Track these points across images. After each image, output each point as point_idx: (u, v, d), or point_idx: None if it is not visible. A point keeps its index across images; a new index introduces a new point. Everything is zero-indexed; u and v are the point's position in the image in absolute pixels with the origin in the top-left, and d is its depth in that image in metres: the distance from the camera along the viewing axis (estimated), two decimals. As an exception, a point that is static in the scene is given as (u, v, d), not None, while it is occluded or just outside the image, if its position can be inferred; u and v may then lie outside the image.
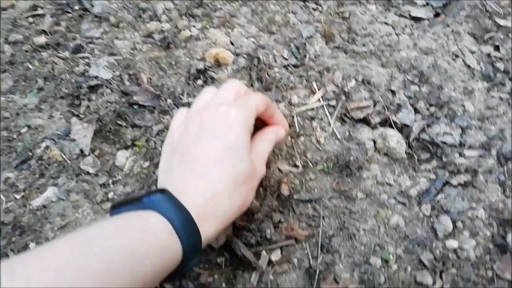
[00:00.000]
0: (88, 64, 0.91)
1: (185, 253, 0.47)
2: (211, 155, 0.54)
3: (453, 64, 0.95)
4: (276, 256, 0.71)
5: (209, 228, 0.51)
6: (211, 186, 0.53)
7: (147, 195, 0.50)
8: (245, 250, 0.70)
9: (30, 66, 0.92)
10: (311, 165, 0.80)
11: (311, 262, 0.70)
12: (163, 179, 0.59)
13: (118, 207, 0.51)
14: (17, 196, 0.74)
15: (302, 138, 0.82)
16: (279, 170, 0.78)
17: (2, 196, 0.74)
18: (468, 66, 0.96)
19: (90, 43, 0.95)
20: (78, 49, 0.93)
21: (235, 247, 0.70)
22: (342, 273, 0.69)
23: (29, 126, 0.83)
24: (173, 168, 0.57)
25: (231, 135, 0.55)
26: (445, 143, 0.82)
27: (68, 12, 1.01)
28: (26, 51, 0.94)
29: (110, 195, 0.75)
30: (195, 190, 0.52)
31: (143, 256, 0.43)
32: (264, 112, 0.64)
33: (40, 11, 1.01)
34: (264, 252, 0.71)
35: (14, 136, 0.82)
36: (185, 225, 0.48)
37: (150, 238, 0.45)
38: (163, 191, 0.51)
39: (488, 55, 0.99)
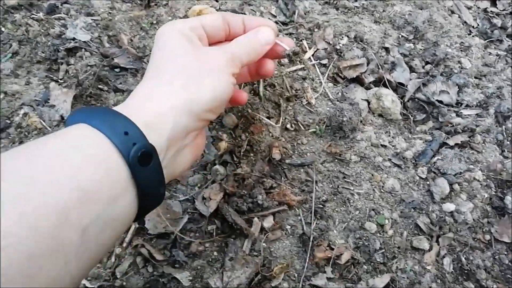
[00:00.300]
0: (65, 26, 0.84)
1: (118, 146, 0.39)
2: (149, 64, 0.51)
3: (449, 19, 0.90)
4: (268, 222, 0.68)
5: (148, 111, 0.44)
6: (146, 82, 0.49)
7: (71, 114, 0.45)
8: (237, 217, 0.67)
9: (2, 29, 0.85)
10: (302, 128, 0.76)
11: (304, 228, 0.67)
12: None
13: None
14: (-5, 167, 0.70)
15: (292, 100, 0.78)
16: (270, 134, 0.74)
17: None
18: (465, 22, 0.91)
19: (65, 3, 0.88)
20: (53, 10, 0.87)
21: (226, 214, 0.67)
22: (336, 239, 0.66)
23: (5, 93, 0.77)
24: None
25: (161, 40, 0.51)
26: (441, 102, 0.78)
27: (41, -31, 0.94)
28: (-2, 13, 0.87)
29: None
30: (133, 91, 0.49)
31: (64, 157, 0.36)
32: (230, 27, 0.57)
33: (10, -31, 0.93)
34: (256, 219, 0.68)
35: (-10, 103, 0.77)
36: (102, 116, 0.41)
37: (65, 139, 0.38)
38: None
39: (485, 10, 0.94)
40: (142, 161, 0.40)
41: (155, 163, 0.42)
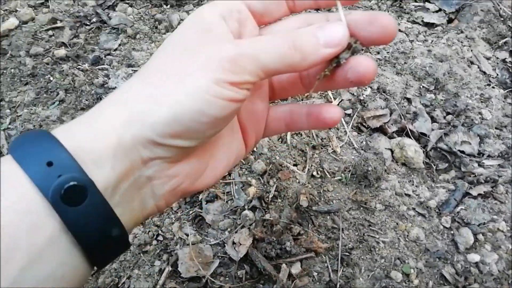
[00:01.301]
0: (107, 76, 0.86)
1: (36, 181, 0.27)
2: None
3: (468, 71, 0.89)
4: (296, 269, 0.66)
5: (92, 129, 0.30)
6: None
7: None
8: (266, 263, 0.66)
9: (51, 78, 0.87)
10: (328, 175, 0.75)
11: (331, 275, 0.65)
12: None
13: None
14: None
15: (318, 148, 0.77)
16: (297, 180, 0.74)
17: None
18: (484, 73, 0.90)
19: (109, 54, 0.91)
20: (97, 61, 0.89)
21: (255, 260, 0.66)
22: (363, 288, 0.64)
23: (51, 138, 0.79)
24: None
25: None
26: (463, 152, 0.77)
27: (87, 25, 0.97)
28: (47, 64, 0.89)
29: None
30: None
31: None
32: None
33: (59, 24, 0.97)
34: (284, 265, 0.66)
35: (37, 148, 0.78)
36: (29, 142, 0.29)
37: None
38: None
39: (504, 60, 0.93)
40: (70, 199, 0.27)
41: (93, 201, 0.28)
